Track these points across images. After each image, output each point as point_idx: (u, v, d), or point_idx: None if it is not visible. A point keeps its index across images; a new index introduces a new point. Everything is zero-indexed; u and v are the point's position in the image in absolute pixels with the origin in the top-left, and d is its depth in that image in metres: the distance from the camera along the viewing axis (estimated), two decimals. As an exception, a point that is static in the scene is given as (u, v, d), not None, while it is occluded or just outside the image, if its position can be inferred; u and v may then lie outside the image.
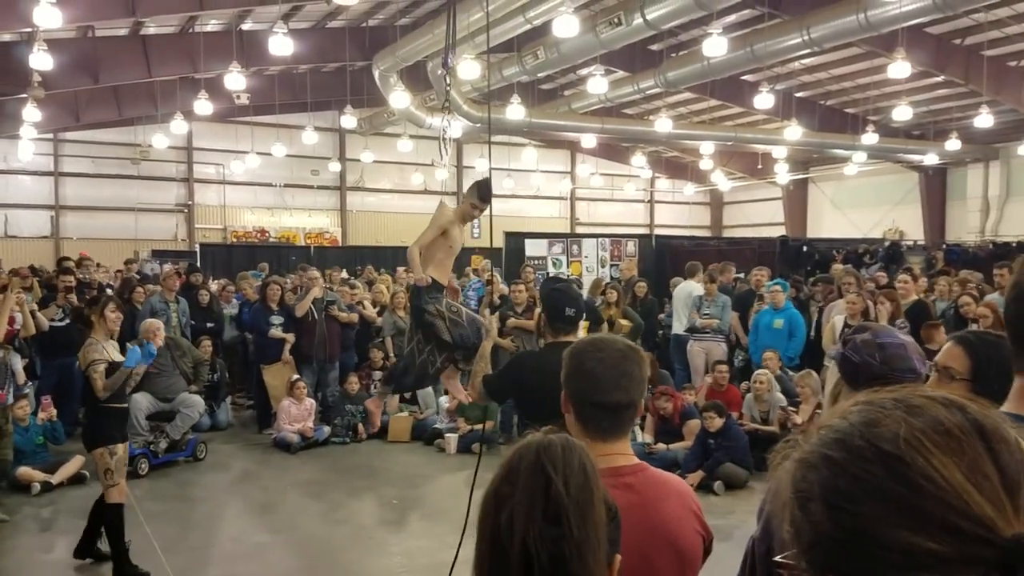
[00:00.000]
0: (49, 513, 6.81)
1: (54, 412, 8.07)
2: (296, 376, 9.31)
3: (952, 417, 0.75)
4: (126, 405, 5.75)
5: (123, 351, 8.66)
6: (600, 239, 14.84)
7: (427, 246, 5.13)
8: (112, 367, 5.49)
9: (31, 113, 16.97)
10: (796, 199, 29.68)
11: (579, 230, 29.34)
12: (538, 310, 9.25)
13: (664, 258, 14.96)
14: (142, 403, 8.03)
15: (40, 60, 13.70)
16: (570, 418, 2.09)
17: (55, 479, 7.39)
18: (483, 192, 5.33)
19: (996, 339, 2.30)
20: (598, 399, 2.00)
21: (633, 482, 2.02)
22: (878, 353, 2.06)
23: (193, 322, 10.14)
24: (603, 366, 2.02)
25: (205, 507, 7.11)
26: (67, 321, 8.94)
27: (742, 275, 13.05)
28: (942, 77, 19.13)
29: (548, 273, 13.00)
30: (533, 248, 14.34)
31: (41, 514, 6.72)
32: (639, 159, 28.09)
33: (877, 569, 0.72)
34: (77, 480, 7.55)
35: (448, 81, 6.17)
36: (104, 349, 5.54)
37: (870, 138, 20.30)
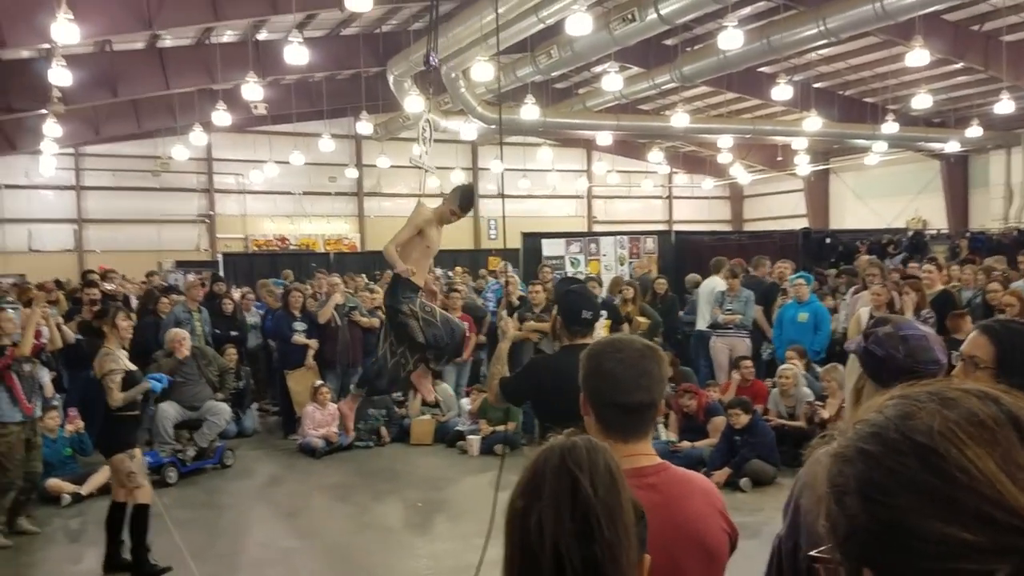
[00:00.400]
0: (79, 524, 6.88)
1: (81, 424, 8.16)
2: (320, 381, 9.35)
3: (986, 409, 0.76)
4: (139, 412, 5.84)
5: (148, 360, 8.78)
6: (618, 237, 14.81)
7: (403, 245, 5.10)
8: (127, 376, 5.54)
9: (52, 128, 17.20)
10: (817, 190, 29.44)
11: (597, 228, 29.26)
12: (554, 312, 9.25)
13: (684, 254, 14.88)
14: (170, 412, 8.10)
15: (59, 76, 13.87)
16: (590, 420, 2.07)
17: (84, 490, 7.46)
18: (464, 201, 5.34)
19: (1021, 327, 2.27)
20: (619, 399, 1.98)
21: (656, 482, 2.00)
22: (901, 346, 2.03)
23: (217, 331, 10.20)
24: (623, 366, 2.00)
25: (233, 513, 7.16)
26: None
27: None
28: (961, 64, 18.90)
29: (566, 273, 12.97)
30: (550, 248, 14.32)
31: (70, 525, 6.79)
32: (656, 155, 27.98)
33: (913, 560, 0.73)
34: (106, 491, 7.55)
35: (430, 81, 6.14)
36: (120, 359, 5.57)
37: (890, 127, 20.11)
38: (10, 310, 6.98)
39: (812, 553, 0.87)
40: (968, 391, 0.78)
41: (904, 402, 0.79)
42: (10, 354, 6.54)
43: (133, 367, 5.71)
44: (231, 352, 9.69)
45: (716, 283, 9.95)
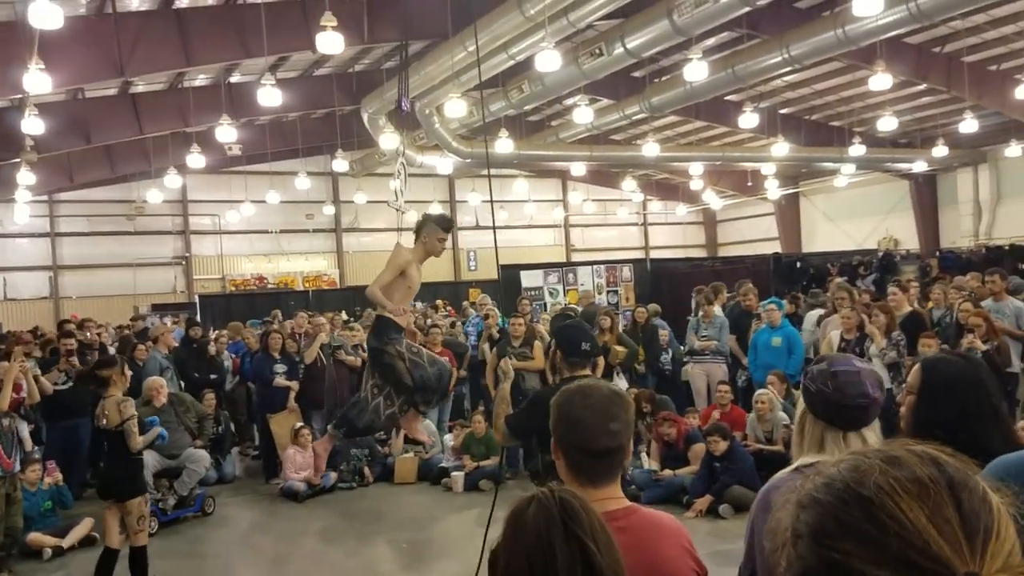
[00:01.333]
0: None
1: (60, 476, 8.09)
2: (300, 423, 9.33)
3: (926, 469, 0.86)
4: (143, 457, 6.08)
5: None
6: (595, 266, 14.94)
7: (386, 287, 5.11)
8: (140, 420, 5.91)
9: (25, 177, 17.15)
10: (789, 214, 29.86)
11: (575, 256, 29.48)
12: (538, 344, 9.31)
13: (660, 282, 15.04)
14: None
15: (32, 125, 13.88)
16: (561, 464, 2.14)
17: (66, 543, 7.39)
18: (443, 222, 5.36)
19: (949, 361, 2.45)
20: (587, 446, 2.05)
21: (626, 525, 2.07)
22: (831, 381, 2.15)
23: (196, 374, 10.17)
24: (590, 412, 2.07)
25: (217, 562, 7.11)
26: (70, 384, 8.98)
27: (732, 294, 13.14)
28: (924, 85, 19.35)
29: (546, 304, 13.06)
30: (529, 279, 14.42)
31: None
32: (630, 183, 28.33)
33: None
34: (88, 542, 7.54)
35: (404, 123, 6.25)
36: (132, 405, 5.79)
37: (857, 150, 20.50)
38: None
39: None
40: (915, 452, 0.89)
41: (855, 458, 0.90)
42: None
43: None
44: (209, 397, 9.65)
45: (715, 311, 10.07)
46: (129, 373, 5.98)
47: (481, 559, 4.16)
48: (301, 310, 12.05)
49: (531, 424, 3.84)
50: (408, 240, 5.43)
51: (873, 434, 2.19)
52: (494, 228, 5.28)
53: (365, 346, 5.46)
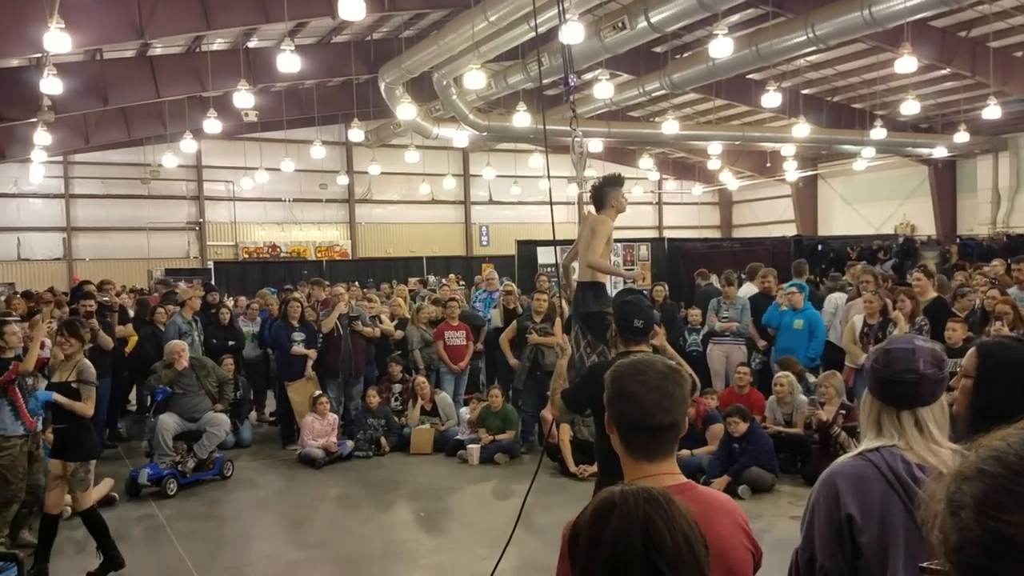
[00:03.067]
0: (83, 536, 6.82)
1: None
2: (319, 392, 9.36)
3: None
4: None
5: (147, 371, 8.77)
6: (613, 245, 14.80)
7: (603, 256, 5.63)
8: None
9: (41, 137, 17.13)
10: (806, 196, 29.66)
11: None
12: (559, 320, 9.28)
13: (677, 261, 14.96)
14: (169, 423, 8.10)
15: (50, 85, 13.83)
16: (615, 439, 2.11)
17: (86, 502, 7.42)
18: (619, 182, 5.94)
19: (1007, 345, 2.43)
20: (642, 421, 2.02)
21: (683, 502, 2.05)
22: (882, 357, 2.14)
23: (214, 340, 10.19)
24: (645, 388, 2.03)
25: (236, 525, 7.16)
26: (89, 346, 8.99)
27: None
28: (948, 70, 19.11)
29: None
30: (545, 255, 14.34)
31: (75, 536, 6.75)
32: (646, 161, 28.11)
33: (1019, 572, 0.82)
34: (107, 502, 7.58)
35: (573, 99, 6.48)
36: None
37: (878, 133, 20.30)
38: (14, 323, 6.97)
39: (923, 565, 0.97)
40: None
41: None
42: (14, 368, 6.53)
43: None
44: (228, 363, 9.68)
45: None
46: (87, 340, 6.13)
47: (509, 540, 4.16)
48: (315, 280, 12.01)
49: (583, 398, 3.88)
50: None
51: (931, 415, 2.15)
52: (551, 204, 5.36)
53: (578, 312, 5.63)
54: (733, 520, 2.17)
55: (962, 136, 20.40)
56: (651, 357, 2.29)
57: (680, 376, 2.14)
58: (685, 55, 18.66)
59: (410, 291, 14.86)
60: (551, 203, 5.19)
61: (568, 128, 6.47)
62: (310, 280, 12.60)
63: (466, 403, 9.82)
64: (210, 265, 22.58)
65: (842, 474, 2.10)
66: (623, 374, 2.11)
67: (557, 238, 5.47)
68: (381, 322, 10.32)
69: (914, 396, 2.10)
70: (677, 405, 2.07)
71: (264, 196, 26.30)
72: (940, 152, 23.07)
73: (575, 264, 6.06)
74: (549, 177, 5.71)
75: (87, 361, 6.22)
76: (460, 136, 20.57)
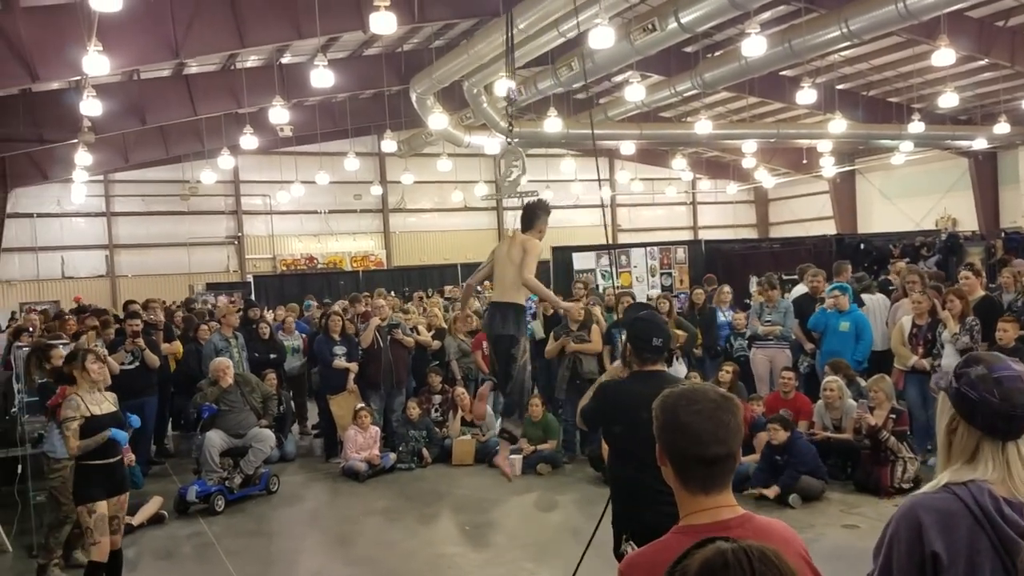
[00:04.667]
0: (133, 554, 6.94)
1: (132, 457, 8.23)
2: (360, 404, 9.40)
3: None
4: (112, 460, 5.49)
5: (193, 389, 8.85)
6: (649, 248, 14.74)
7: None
8: (91, 422, 5.33)
9: (82, 157, 17.50)
10: (844, 192, 29.23)
11: (622, 237, 29.20)
12: (596, 327, 9.24)
13: (715, 263, 14.80)
14: (215, 440, 8.19)
15: (90, 106, 14.11)
16: (668, 471, 2.06)
17: (135, 521, 7.52)
18: (548, 209, 5.82)
19: None
20: (697, 452, 1.96)
21: (742, 534, 1.99)
22: (996, 389, 1.99)
23: (256, 354, 10.29)
24: (699, 418, 1.97)
25: (283, 541, 7.20)
26: (136, 364, 9.14)
27: (796, 277, 12.86)
28: (986, 60, 18.72)
29: (598, 287, 12.93)
30: (580, 261, 14.29)
31: (127, 555, 6.83)
32: (679, 161, 27.89)
33: None
34: (156, 520, 7.70)
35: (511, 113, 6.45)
36: (81, 404, 5.37)
37: (916, 127, 19.95)
38: (60, 347, 7.09)
39: None
40: None
41: None
42: (61, 392, 6.61)
43: (99, 412, 5.44)
44: (271, 377, 9.77)
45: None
46: (94, 367, 5.49)
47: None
48: (353, 296, 12.10)
49: (596, 414, 3.80)
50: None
51: None
52: (603, 207, 5.37)
53: (492, 334, 5.62)
54: (795, 551, 2.11)
55: (1002, 127, 19.98)
56: (703, 385, 2.23)
57: (734, 404, 2.08)
58: (716, 54, 18.50)
59: (446, 299, 14.89)
60: (602, 205, 5.21)
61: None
62: (348, 296, 12.67)
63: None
64: (249, 278, 22.84)
65: (926, 508, 2.00)
66: (675, 404, 2.04)
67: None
68: (418, 332, 10.35)
69: None
70: (732, 435, 2.01)
71: (300, 209, 26.58)
72: (980, 144, 22.60)
73: (485, 284, 6.02)
74: (601, 182, 5.67)
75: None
76: (491, 143, 20.59)
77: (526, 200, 6.03)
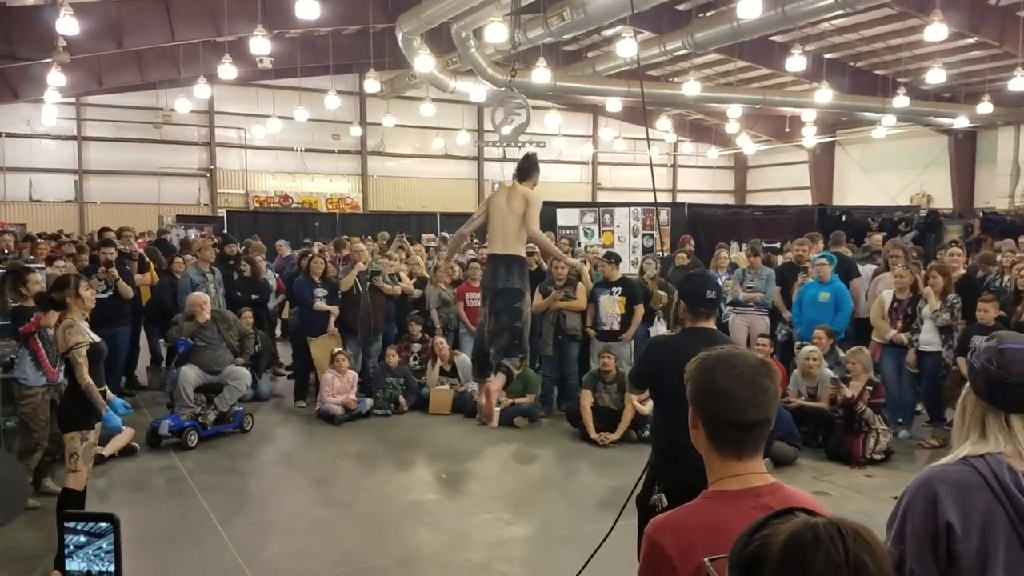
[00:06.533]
0: (104, 484, 6.89)
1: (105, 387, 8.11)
2: (338, 349, 9.33)
3: None
4: (104, 388, 5.40)
5: (168, 323, 8.71)
6: (632, 208, 14.68)
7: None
8: (93, 348, 5.22)
9: (55, 78, 16.93)
10: (823, 162, 29.33)
11: (601, 195, 29.16)
12: (582, 285, 9.22)
13: (696, 227, 14.81)
14: (190, 375, 8.09)
15: (66, 25, 13.63)
16: (698, 434, 2.02)
17: (106, 451, 7.41)
18: (536, 163, 5.70)
19: None
20: (733, 417, 1.92)
21: (772, 502, 1.97)
22: (996, 358, 2.02)
23: (238, 293, 10.12)
24: (738, 383, 1.93)
25: (258, 480, 7.17)
26: (110, 293, 8.96)
27: (777, 245, 12.94)
28: (975, 39, 18.73)
29: (580, 243, 12.86)
30: (564, 218, 14.20)
31: (97, 485, 6.75)
32: (664, 122, 27.76)
33: None
34: (128, 452, 7.63)
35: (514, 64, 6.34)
36: (84, 330, 5.24)
37: (901, 101, 19.98)
38: (37, 272, 6.91)
39: None
40: None
41: None
42: (36, 319, 6.48)
43: (97, 338, 5.32)
44: (247, 316, 9.63)
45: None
46: (87, 295, 5.35)
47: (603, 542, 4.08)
48: (340, 240, 11.93)
49: (645, 372, 3.80)
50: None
51: None
52: (651, 165, 5.31)
53: (496, 288, 5.47)
54: None
55: (985, 107, 20.07)
56: (740, 349, 2.18)
57: (772, 369, 2.04)
58: (709, 14, 18.28)
59: (426, 248, 14.76)
60: (651, 163, 5.11)
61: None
62: (332, 240, 12.48)
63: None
64: (222, 213, 22.44)
65: (943, 480, 2.02)
66: (713, 367, 1.99)
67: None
68: (400, 280, 10.25)
69: None
70: (770, 400, 1.98)
71: (276, 145, 26.07)
72: (961, 122, 22.73)
73: (482, 235, 5.93)
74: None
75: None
76: (477, 90, 20.27)
77: (524, 150, 5.91)
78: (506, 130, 6.05)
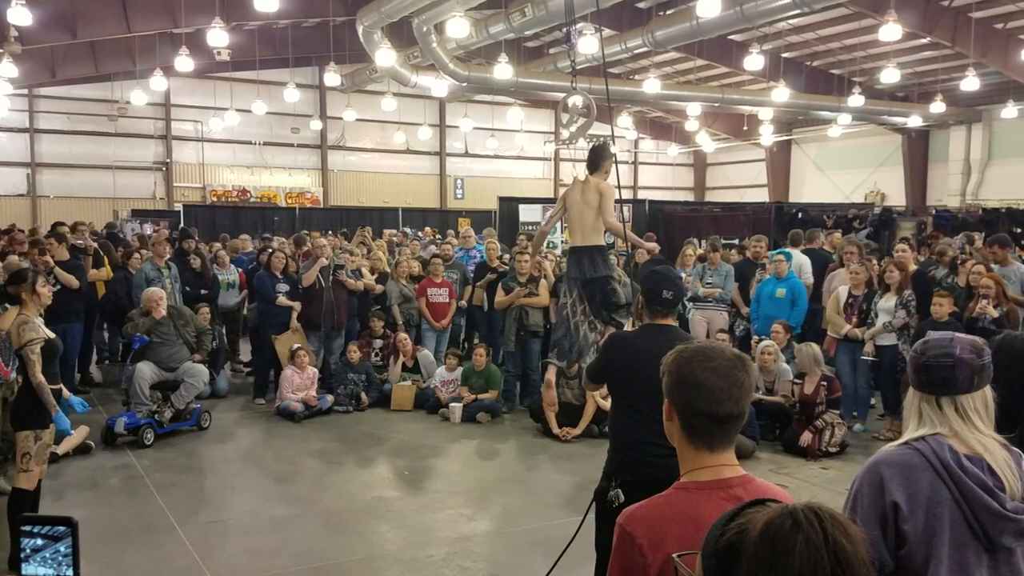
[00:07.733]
0: (59, 484, 6.75)
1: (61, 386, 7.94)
2: (297, 345, 9.25)
3: None
4: (60, 386, 5.33)
5: (123, 319, 8.55)
6: (593, 203, 14.69)
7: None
8: (47, 345, 5.11)
9: (7, 68, 16.53)
10: (779, 161, 29.75)
11: (563, 191, 29.18)
12: (544, 282, 9.25)
13: (657, 223, 14.93)
14: (146, 372, 7.95)
15: (18, 15, 13.35)
16: (673, 426, 2.04)
17: (60, 449, 7.29)
18: (609, 150, 5.97)
19: (1014, 343, 2.52)
20: (709, 410, 1.95)
21: (742, 494, 2.01)
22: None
23: (187, 288, 9.96)
24: (715, 376, 1.95)
25: (216, 478, 7.08)
26: (58, 288, 8.76)
27: (735, 241, 13.11)
28: (928, 39, 19.13)
29: (549, 242, 12.83)
30: (526, 214, 14.21)
31: (51, 485, 6.63)
32: (624, 119, 27.91)
33: None
34: (83, 450, 7.50)
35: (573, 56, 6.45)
36: (39, 327, 5.16)
37: (856, 100, 20.34)
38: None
39: None
40: None
41: None
42: (-13, 313, 6.33)
43: (52, 335, 5.22)
44: (204, 312, 9.48)
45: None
46: (44, 291, 5.25)
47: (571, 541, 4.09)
48: (303, 234, 11.83)
49: (602, 367, 3.80)
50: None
51: (972, 403, 2.13)
52: (615, 161, 5.37)
53: (585, 278, 5.61)
54: None
55: (938, 106, 20.53)
56: (718, 344, 2.21)
57: (748, 364, 2.07)
58: (668, 12, 18.43)
59: (387, 243, 14.67)
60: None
61: (567, 84, 6.41)
62: (292, 237, 12.37)
63: (445, 360, 9.73)
64: (178, 207, 22.09)
65: (887, 463, 2.11)
66: (690, 359, 2.00)
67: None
68: (362, 275, 10.19)
69: (951, 381, 2.09)
70: (745, 394, 2.00)
71: (233, 138, 25.68)
72: (915, 122, 23.22)
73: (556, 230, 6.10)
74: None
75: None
76: (439, 85, 20.19)
77: (592, 143, 6.13)
78: (572, 129, 6.34)
